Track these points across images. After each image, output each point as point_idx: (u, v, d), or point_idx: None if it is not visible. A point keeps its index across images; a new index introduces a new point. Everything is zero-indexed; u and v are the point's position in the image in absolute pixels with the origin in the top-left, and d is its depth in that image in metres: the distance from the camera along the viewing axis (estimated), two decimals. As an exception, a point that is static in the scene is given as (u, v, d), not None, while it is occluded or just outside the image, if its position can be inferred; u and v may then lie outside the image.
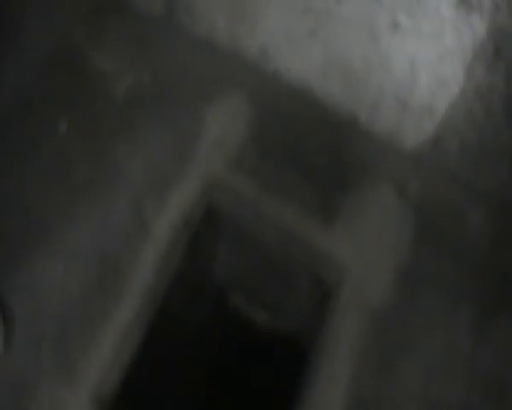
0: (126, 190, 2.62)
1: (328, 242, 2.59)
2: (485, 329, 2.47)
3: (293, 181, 2.68)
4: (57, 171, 2.68)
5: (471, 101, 2.87)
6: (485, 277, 2.59)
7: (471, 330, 2.47)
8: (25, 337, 2.35)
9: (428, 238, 2.64)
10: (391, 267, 2.55)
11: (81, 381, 2.26)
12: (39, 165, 2.70)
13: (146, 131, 2.75)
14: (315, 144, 2.79)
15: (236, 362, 3.43)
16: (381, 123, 2.85)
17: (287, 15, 3.05)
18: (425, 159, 2.81)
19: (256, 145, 2.75)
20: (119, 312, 2.38)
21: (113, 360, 2.29)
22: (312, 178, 2.71)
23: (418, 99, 2.90)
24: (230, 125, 2.79)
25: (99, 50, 2.94)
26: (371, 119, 2.86)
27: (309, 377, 2.38)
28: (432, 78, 2.91)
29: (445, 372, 2.38)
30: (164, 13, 3.06)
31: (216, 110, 2.81)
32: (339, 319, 2.44)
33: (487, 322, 2.49)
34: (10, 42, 2.93)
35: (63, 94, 2.85)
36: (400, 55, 2.95)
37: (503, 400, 2.36)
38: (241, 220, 2.65)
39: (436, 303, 2.50)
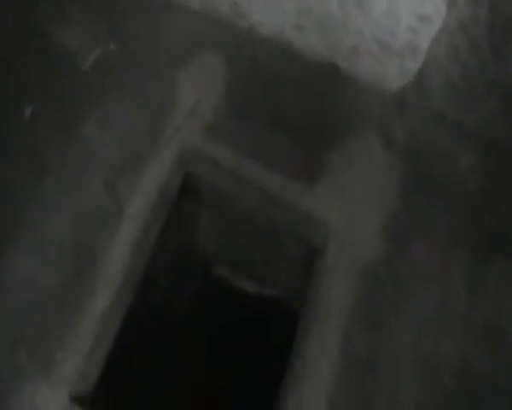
0: (98, 171, 2.60)
1: (312, 202, 2.57)
2: (481, 277, 2.47)
3: (273, 143, 2.64)
4: (25, 158, 2.65)
5: (455, 35, 2.72)
6: (479, 221, 2.57)
7: (466, 279, 2.48)
8: (1, 336, 2.34)
9: (417, 187, 2.61)
10: (379, 221, 2.54)
11: (60, 378, 2.27)
12: (6, 153, 2.66)
13: (116, 106, 2.72)
14: (295, 100, 2.74)
15: (226, 333, 3.38)
16: (363, 68, 2.80)
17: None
18: (410, 102, 2.76)
19: (233, 108, 2.72)
20: (95, 300, 2.38)
21: (91, 353, 2.30)
22: (293, 138, 2.67)
23: (399, 39, 2.76)
24: (205, 89, 2.74)
25: (65, 26, 2.83)
26: (352, 65, 2.80)
27: (299, 340, 2.35)
28: (412, 15, 2.75)
29: (440, 325, 2.39)
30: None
31: (189, 75, 2.76)
32: (327, 280, 2.44)
33: (482, 270, 2.49)
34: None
35: (29, 76, 2.79)
36: (376, -5, 2.79)
37: (500, 349, 2.30)
38: (222, 189, 2.62)
39: (428, 254, 2.50)
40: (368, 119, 2.70)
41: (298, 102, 2.73)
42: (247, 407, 3.03)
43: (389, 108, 2.72)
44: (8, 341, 2.34)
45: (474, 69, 2.74)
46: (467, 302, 2.39)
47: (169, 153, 2.62)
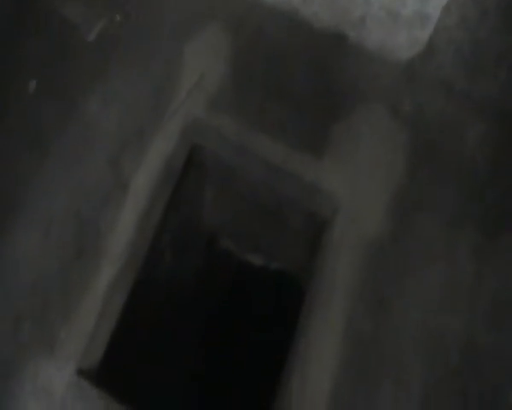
0: (101, 146, 2.58)
1: (318, 175, 2.54)
2: (488, 252, 2.44)
3: (278, 114, 2.60)
4: (28, 133, 2.63)
5: (465, 4, 2.68)
6: (486, 194, 2.53)
7: (472, 254, 2.44)
8: (3, 315, 2.36)
9: (425, 159, 2.57)
10: (385, 195, 2.50)
11: (64, 355, 2.28)
12: (8, 129, 2.64)
13: (120, 80, 2.70)
14: (301, 71, 2.69)
15: (232, 307, 3.37)
16: (371, 38, 2.75)
17: None
18: (418, 72, 2.71)
19: (238, 80, 2.68)
20: (99, 278, 2.39)
21: (96, 330, 2.30)
22: (299, 109, 2.63)
23: (408, 7, 2.72)
24: (210, 61, 2.71)
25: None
26: (360, 35, 2.75)
27: (304, 318, 2.34)
28: (421, -18, 2.68)
29: (445, 301, 2.36)
30: None
31: (194, 47, 2.73)
32: (333, 255, 2.41)
33: (489, 244, 2.45)
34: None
35: (32, 50, 2.76)
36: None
37: (506, 324, 2.29)
38: (227, 162, 2.60)
39: (435, 229, 2.46)
40: (375, 89, 2.65)
41: (304, 72, 2.68)
42: (252, 384, 3.04)
43: (397, 78, 2.67)
44: (11, 320, 2.35)
45: (483, 39, 2.69)
46: (473, 277, 2.37)
47: (174, 127, 2.59)
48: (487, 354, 2.28)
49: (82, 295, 2.35)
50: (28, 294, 2.37)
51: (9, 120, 2.64)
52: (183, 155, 2.56)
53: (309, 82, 2.67)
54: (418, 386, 2.22)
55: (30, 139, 2.61)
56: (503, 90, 2.62)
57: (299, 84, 2.65)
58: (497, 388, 2.22)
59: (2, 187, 2.54)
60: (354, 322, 2.31)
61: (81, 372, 2.24)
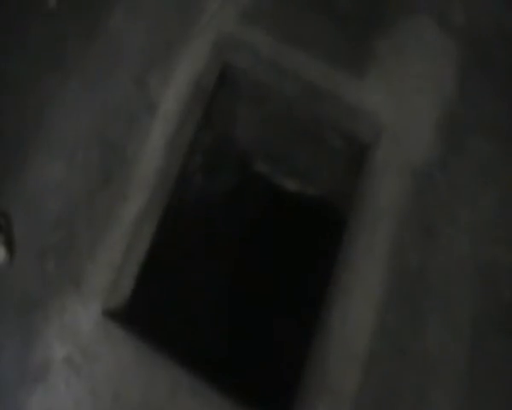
0: (127, 65, 2.42)
1: (360, 93, 2.36)
2: None
3: (317, 27, 2.41)
4: (48, 52, 2.46)
5: None
6: None
7: None
8: (27, 248, 2.25)
9: (478, 76, 2.38)
10: (434, 115, 2.32)
11: (91, 290, 2.17)
12: (28, 47, 2.47)
13: (145, -10, 2.43)
14: None
15: (265, 233, 3.21)
16: None
17: None
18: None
19: (274, -8, 2.40)
20: (127, 206, 2.25)
21: (124, 264, 2.19)
22: (339, 21, 2.44)
23: None
24: (244, -30, 2.43)
25: None
26: None
27: (346, 247, 2.17)
28: None
29: (500, 232, 2.19)
30: None
31: None
32: (376, 181, 2.25)
33: None
34: None
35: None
36: None
37: None
38: (261, 79, 2.44)
39: (488, 152, 2.28)
40: (423, 0, 2.42)
41: (347, -15, 2.47)
42: (288, 316, 2.93)
43: (447, -12, 2.44)
44: (36, 252, 2.24)
45: None
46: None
47: (204, 43, 2.41)
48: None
49: (109, 225, 2.23)
50: (53, 225, 2.25)
51: (29, 38, 2.47)
52: (213, 73, 2.39)
53: (352, -6, 2.45)
54: (467, 322, 2.08)
55: (51, 58, 2.44)
56: None
57: (341, -4, 2.45)
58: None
59: (24, 110, 2.40)
60: (400, 251, 2.16)
61: (107, 312, 2.14)
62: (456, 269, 2.14)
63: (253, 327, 3.16)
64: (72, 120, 2.37)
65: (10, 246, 2.24)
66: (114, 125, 2.35)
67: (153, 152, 2.30)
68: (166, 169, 2.30)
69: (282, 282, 3.14)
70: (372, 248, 2.18)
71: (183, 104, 2.35)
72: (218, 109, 2.54)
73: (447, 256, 2.15)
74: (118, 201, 2.26)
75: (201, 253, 2.96)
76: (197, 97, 2.37)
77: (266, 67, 2.41)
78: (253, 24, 2.43)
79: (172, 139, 2.32)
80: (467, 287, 2.13)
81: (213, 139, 2.65)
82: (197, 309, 2.91)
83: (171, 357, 2.11)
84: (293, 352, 2.34)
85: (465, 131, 2.28)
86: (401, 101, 2.32)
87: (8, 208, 2.30)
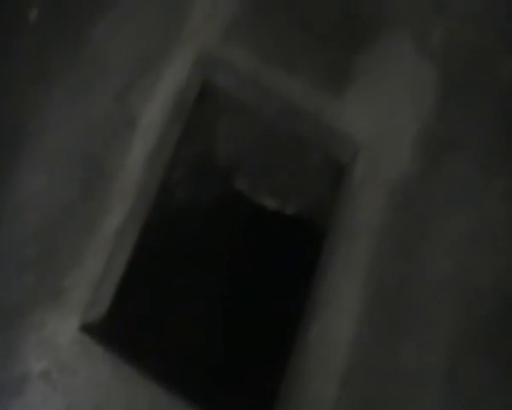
0: (109, 78, 2.42)
1: (339, 113, 2.38)
2: None
3: (297, 46, 2.44)
4: (30, 65, 2.45)
5: None
6: None
7: (507, 199, 2.25)
8: (5, 260, 2.22)
9: (454, 95, 2.41)
10: (411, 133, 2.35)
11: (69, 304, 2.15)
12: (9, 61, 2.46)
13: (128, 5, 2.49)
14: (323, 3, 2.49)
15: (244, 251, 3.23)
16: None
17: None
18: (449, 3, 2.48)
19: (255, 10, 2.50)
20: (107, 220, 2.24)
21: (103, 277, 2.19)
22: (319, 40, 2.46)
23: None
24: (225, -13, 2.46)
25: None
26: None
27: (324, 263, 2.20)
28: None
29: (477, 252, 2.20)
30: None
31: None
32: (354, 199, 2.27)
33: None
34: None
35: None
36: None
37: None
38: (242, 97, 2.47)
39: (465, 171, 2.31)
40: (402, 22, 2.46)
41: (327, 4, 2.49)
42: (266, 333, 2.93)
43: (426, 10, 2.48)
44: (15, 265, 2.21)
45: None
46: (508, 225, 2.21)
47: (185, 58, 2.41)
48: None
49: (89, 239, 2.21)
50: (32, 238, 2.23)
51: (9, 50, 2.45)
52: (194, 88, 2.41)
53: (331, 14, 2.48)
54: (445, 342, 2.08)
55: (33, 72, 2.43)
56: (541, 24, 2.44)
57: (320, 11, 2.47)
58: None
59: (6, 122, 2.38)
60: (377, 268, 2.17)
61: (85, 327, 2.12)
62: (434, 287, 2.15)
63: (234, 340, 3.16)
64: (53, 133, 2.36)
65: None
66: (95, 138, 2.34)
67: (133, 166, 2.30)
68: (147, 183, 2.30)
69: (263, 298, 3.16)
70: (349, 264, 2.19)
71: (164, 119, 2.35)
72: (198, 125, 2.55)
73: (425, 274, 2.16)
74: (98, 214, 2.24)
75: (183, 267, 2.95)
76: (178, 113, 2.38)
77: (247, 84, 2.43)
78: (235, 41, 2.44)
79: (153, 154, 2.32)
80: (445, 305, 2.14)
81: (194, 155, 2.66)
82: (178, 324, 2.90)
83: (150, 374, 2.09)
84: (272, 366, 2.36)
85: (443, 149, 2.30)
86: (379, 119, 2.34)
87: (-12, 222, 2.31)
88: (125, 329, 2.33)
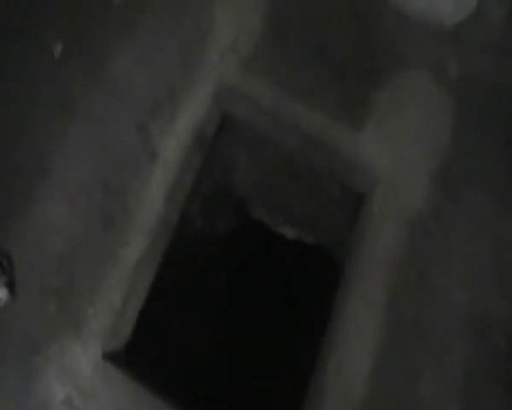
0: (129, 111, 2.49)
1: (357, 146, 2.42)
2: None
3: (315, 79, 2.49)
4: (53, 99, 2.52)
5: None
6: None
7: None
8: (29, 289, 2.29)
9: (472, 128, 2.43)
10: (429, 166, 2.38)
11: (91, 333, 2.21)
12: (34, 94, 2.54)
13: (148, 40, 2.59)
14: (339, 34, 2.57)
15: (261, 279, 3.25)
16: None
17: None
18: (465, 34, 2.56)
19: (273, 42, 2.56)
20: (128, 251, 2.30)
21: (124, 307, 2.24)
22: (337, 74, 2.50)
23: (455, -32, 2.51)
24: (243, 21, 2.56)
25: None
26: None
27: (342, 295, 2.21)
28: None
29: (493, 283, 2.22)
30: None
31: (227, 8, 2.60)
32: (372, 230, 2.29)
33: None
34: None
35: (57, 11, 2.64)
36: None
37: None
38: (260, 129, 2.50)
39: (482, 204, 2.33)
40: (419, 54, 2.51)
41: (343, 35, 2.55)
42: (282, 362, 2.95)
43: (442, 42, 2.52)
44: (37, 294, 2.28)
45: (537, 1, 2.51)
46: (525, 258, 2.22)
47: (205, 91, 2.47)
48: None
49: (109, 269, 2.27)
50: (54, 268, 2.30)
51: (36, 84, 2.54)
52: (214, 121, 2.45)
53: (349, 44, 2.53)
54: (461, 372, 2.11)
55: (57, 103, 2.51)
56: (556, 55, 2.45)
57: (339, 46, 2.52)
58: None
59: (30, 153, 2.46)
60: (395, 300, 2.20)
61: (107, 355, 2.17)
62: (450, 319, 2.17)
63: (252, 370, 3.18)
64: (75, 163, 2.43)
65: (12, 287, 2.27)
66: (116, 170, 2.40)
67: (153, 198, 2.35)
68: (166, 215, 2.35)
69: (279, 328, 3.18)
70: (367, 297, 2.22)
71: (184, 152, 2.41)
72: (217, 157, 2.60)
73: (442, 306, 2.19)
74: (118, 245, 2.30)
75: (200, 296, 2.97)
76: (197, 146, 2.43)
77: (265, 117, 2.47)
78: (253, 75, 2.50)
79: (173, 186, 2.37)
80: (461, 337, 2.16)
81: (213, 186, 2.69)
82: (197, 352, 2.91)
83: (169, 401, 2.12)
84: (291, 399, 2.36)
85: (460, 182, 2.33)
86: (397, 152, 2.38)
87: (10, 250, 2.34)
88: (145, 357, 2.36)
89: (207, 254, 2.98)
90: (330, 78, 2.47)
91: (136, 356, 2.26)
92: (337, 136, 2.40)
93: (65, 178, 2.41)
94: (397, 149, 2.38)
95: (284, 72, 2.49)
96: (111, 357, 2.18)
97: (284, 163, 2.61)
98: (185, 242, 2.50)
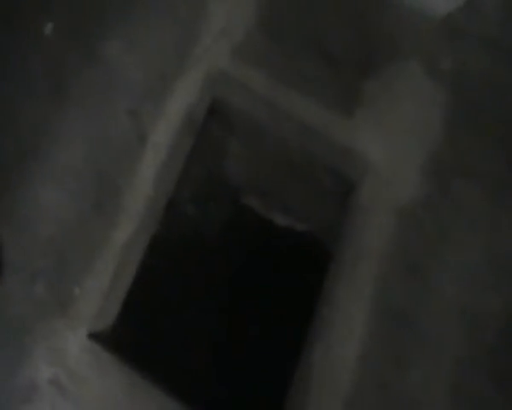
0: (121, 95, 2.48)
1: (350, 134, 2.43)
2: None
3: (309, 68, 2.49)
4: (44, 81, 2.52)
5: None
6: None
7: None
8: (19, 270, 2.30)
9: (464, 120, 2.44)
10: (421, 157, 2.39)
11: (78, 313, 2.22)
12: (23, 76, 2.54)
13: (143, 25, 2.58)
14: (334, 24, 2.56)
15: (254, 266, 3.25)
16: None
17: None
18: (460, 28, 2.55)
19: (267, 29, 2.56)
20: (116, 234, 2.31)
21: (111, 288, 2.25)
22: (331, 63, 2.50)
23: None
24: (237, 7, 2.56)
25: None
26: None
27: (331, 283, 2.23)
28: None
29: (485, 277, 2.23)
30: None
31: None
32: (362, 219, 2.31)
33: None
34: None
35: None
36: None
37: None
38: (253, 117, 2.51)
39: (474, 195, 2.33)
40: (412, 45, 2.50)
41: (338, 25, 2.54)
42: (272, 348, 2.95)
43: (436, 33, 2.52)
44: (26, 275, 2.29)
45: (533, -7, 2.51)
46: (517, 252, 2.23)
47: (196, 76, 2.47)
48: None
49: (98, 251, 2.28)
50: (43, 250, 2.30)
51: (26, 67, 2.53)
52: (205, 106, 2.45)
53: (342, 34, 2.53)
54: (450, 364, 2.13)
55: (48, 85, 2.50)
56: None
57: (333, 35, 2.52)
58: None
59: (20, 135, 2.46)
60: (384, 289, 2.21)
61: (94, 335, 2.19)
62: (440, 310, 2.18)
63: (240, 356, 3.19)
64: (66, 147, 2.42)
65: (0, 268, 2.29)
66: (107, 153, 2.40)
67: (143, 181, 2.35)
68: (155, 199, 2.35)
69: (269, 314, 3.19)
70: (356, 285, 2.22)
71: (174, 135, 2.41)
72: (208, 143, 2.61)
73: (432, 296, 2.20)
74: (108, 228, 2.31)
75: (190, 280, 3.00)
76: (187, 129, 2.43)
77: (258, 104, 2.47)
78: (246, 60, 2.49)
79: (162, 169, 2.37)
80: (451, 328, 2.17)
81: (204, 172, 2.71)
82: (185, 335, 2.94)
83: (157, 383, 2.14)
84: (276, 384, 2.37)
85: (451, 173, 2.34)
86: (389, 141, 2.38)
87: (1, 233, 2.35)
88: (132, 337, 2.39)
89: (200, 238, 2.98)
90: (324, 67, 2.47)
91: (124, 337, 2.27)
92: (330, 124, 2.39)
93: (54, 162, 2.41)
94: (388, 139, 2.38)
95: (278, 59, 2.48)
96: (99, 338, 2.18)
97: (276, 150, 2.62)
98: (177, 225, 2.51)
